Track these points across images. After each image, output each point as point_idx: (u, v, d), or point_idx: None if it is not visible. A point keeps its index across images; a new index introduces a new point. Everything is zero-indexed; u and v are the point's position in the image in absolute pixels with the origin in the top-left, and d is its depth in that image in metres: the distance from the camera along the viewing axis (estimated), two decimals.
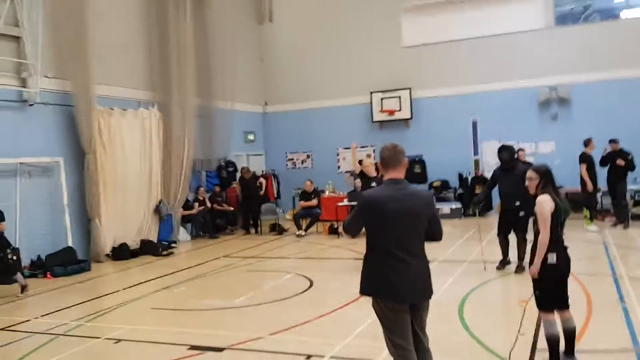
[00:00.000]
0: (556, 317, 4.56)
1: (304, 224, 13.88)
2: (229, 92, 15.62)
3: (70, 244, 10.90)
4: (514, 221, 8.15)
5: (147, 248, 12.05)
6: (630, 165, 11.97)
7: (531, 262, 4.63)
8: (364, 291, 3.72)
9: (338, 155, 17.92)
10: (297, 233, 13.56)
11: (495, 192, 8.89)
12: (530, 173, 4.73)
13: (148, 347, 5.83)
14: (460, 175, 16.01)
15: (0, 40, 10.14)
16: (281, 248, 12.04)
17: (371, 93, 16.90)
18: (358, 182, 13.44)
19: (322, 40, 17.70)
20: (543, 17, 15.52)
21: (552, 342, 4.46)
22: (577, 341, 4.89)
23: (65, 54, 11.01)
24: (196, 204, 14.29)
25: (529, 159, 12.95)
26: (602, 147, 12.22)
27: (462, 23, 16.08)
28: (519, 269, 8.14)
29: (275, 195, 17.31)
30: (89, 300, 8.19)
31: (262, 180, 15.19)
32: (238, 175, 15.87)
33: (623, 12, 16.29)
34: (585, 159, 11.75)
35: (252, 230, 14.59)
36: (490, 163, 15.91)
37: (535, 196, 4.61)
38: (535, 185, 4.64)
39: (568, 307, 4.61)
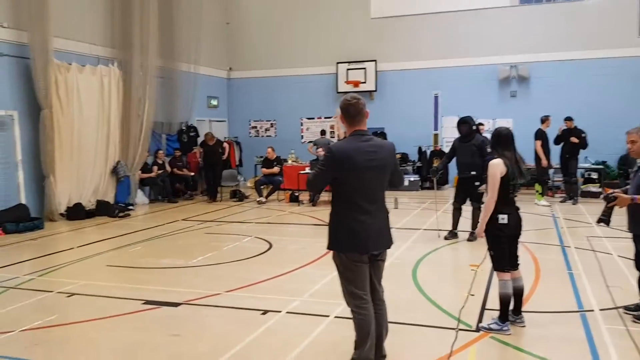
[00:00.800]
0: None
1: (265, 191, 13.87)
2: (193, 55, 15.33)
3: (23, 201, 10.61)
4: (469, 190, 8.36)
5: (103, 209, 11.84)
6: (583, 144, 12.38)
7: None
8: (334, 247, 3.71)
9: (302, 125, 17.87)
10: (258, 200, 13.55)
11: (452, 167, 9.07)
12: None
13: (101, 301, 5.77)
14: (419, 149, 16.25)
15: None
16: (241, 213, 12.01)
17: (337, 63, 16.84)
18: (320, 151, 13.52)
19: (291, 6, 17.48)
20: None
21: (505, 301, 4.62)
22: (525, 303, 5.16)
23: (22, 3, 10.54)
24: (155, 167, 14.07)
25: (486, 135, 13.22)
26: (557, 127, 12.61)
27: None
28: (472, 236, 8.39)
29: (237, 163, 17.19)
30: (41, 257, 8.04)
31: (226, 145, 14.90)
32: (200, 140, 15.64)
33: None
34: (540, 135, 12.12)
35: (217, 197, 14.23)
36: (449, 138, 16.21)
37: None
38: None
39: (517, 267, 4.80)
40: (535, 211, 11.15)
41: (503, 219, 4.56)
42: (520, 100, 15.57)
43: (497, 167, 4.57)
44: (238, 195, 14.17)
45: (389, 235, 3.81)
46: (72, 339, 4.78)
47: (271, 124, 18.23)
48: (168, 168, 14.48)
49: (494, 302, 5.30)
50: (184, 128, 15.45)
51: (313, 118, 17.68)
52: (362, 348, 3.69)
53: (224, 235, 9.44)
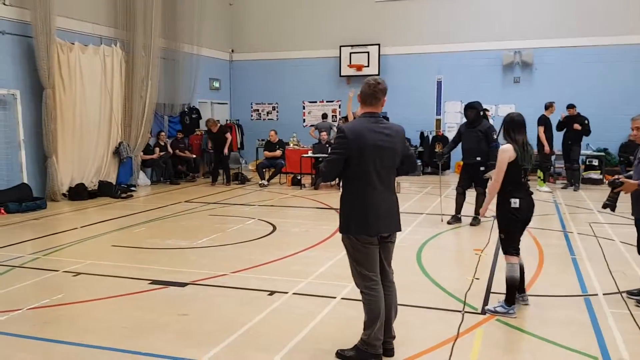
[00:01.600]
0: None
1: (267, 174, 13.88)
2: (196, 36, 15.23)
3: (25, 180, 10.60)
4: (474, 175, 8.36)
5: (105, 190, 11.85)
6: (586, 130, 12.38)
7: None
8: (346, 229, 3.71)
9: (304, 108, 17.81)
10: (260, 182, 13.56)
11: (454, 152, 9.09)
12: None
13: (108, 281, 5.80)
14: (422, 134, 16.24)
15: None
16: (243, 196, 12.02)
17: (340, 47, 16.74)
18: (325, 135, 13.50)
19: None
20: None
21: (512, 284, 4.66)
22: (530, 287, 5.28)
23: None
24: (157, 149, 14.05)
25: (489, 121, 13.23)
26: (559, 113, 12.60)
27: None
28: (475, 220, 8.43)
29: (239, 146, 17.16)
30: (45, 236, 8.06)
31: (229, 136, 14.67)
32: (202, 122, 15.63)
33: None
34: (543, 121, 12.11)
35: (221, 180, 13.95)
36: (451, 123, 16.21)
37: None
38: None
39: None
40: (537, 197, 11.08)
41: (515, 203, 4.60)
42: (523, 87, 15.53)
43: (506, 152, 4.62)
44: (240, 178, 14.17)
45: (398, 217, 3.82)
46: (81, 317, 4.81)
47: (273, 107, 18.17)
48: (170, 150, 14.47)
49: (498, 286, 5.36)
50: (186, 110, 15.41)
51: (315, 102, 17.62)
52: (372, 329, 3.72)
53: (227, 217, 9.46)
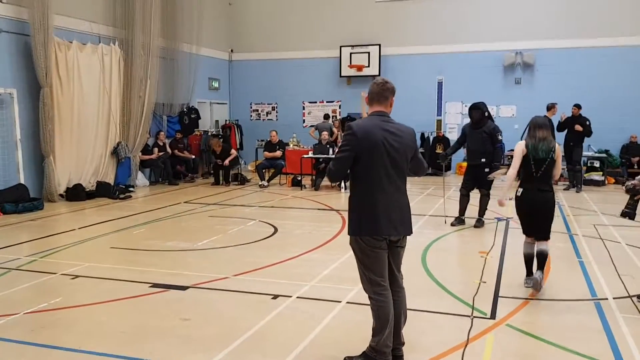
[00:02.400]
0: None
1: (266, 174, 13.76)
2: (195, 36, 15.10)
3: (22, 181, 10.46)
4: (478, 177, 8.25)
5: (103, 190, 11.71)
6: (587, 132, 12.29)
7: None
8: (355, 232, 3.58)
9: (304, 109, 17.69)
10: (260, 183, 13.44)
11: (456, 153, 9.00)
12: None
13: (107, 284, 5.67)
14: (422, 135, 16.13)
15: None
16: (243, 197, 11.90)
17: (341, 47, 16.63)
18: (326, 134, 13.40)
19: None
20: None
21: (526, 260, 5.36)
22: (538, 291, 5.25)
23: None
24: (156, 149, 13.92)
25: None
26: (559, 115, 12.51)
27: None
28: (479, 222, 8.33)
29: (238, 146, 17.04)
30: (42, 238, 7.91)
31: (234, 152, 14.26)
32: (201, 122, 15.58)
33: None
34: None
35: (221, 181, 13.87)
36: (452, 124, 16.13)
37: None
38: None
39: (532, 235, 5.34)
40: None
41: (518, 191, 5.21)
42: (524, 87, 15.45)
43: (519, 145, 5.21)
44: (239, 179, 14.04)
45: (410, 221, 3.70)
46: (79, 321, 4.67)
47: (272, 107, 18.05)
48: (169, 150, 14.34)
49: (506, 290, 5.27)
50: (185, 110, 15.28)
51: (315, 102, 17.51)
52: (381, 335, 3.60)
53: (227, 219, 9.34)
